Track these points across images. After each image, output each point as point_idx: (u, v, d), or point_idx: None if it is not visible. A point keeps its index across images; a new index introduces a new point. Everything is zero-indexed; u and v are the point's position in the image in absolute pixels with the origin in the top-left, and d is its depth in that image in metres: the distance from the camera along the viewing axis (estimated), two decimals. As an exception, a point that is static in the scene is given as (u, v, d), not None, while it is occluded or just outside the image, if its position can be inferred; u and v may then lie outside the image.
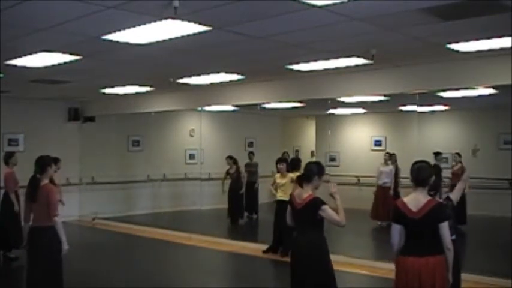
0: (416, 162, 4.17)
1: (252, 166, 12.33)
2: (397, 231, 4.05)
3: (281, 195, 8.42)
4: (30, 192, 5.32)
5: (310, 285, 4.45)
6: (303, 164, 8.63)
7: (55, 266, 5.38)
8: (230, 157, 12.14)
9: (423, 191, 4.02)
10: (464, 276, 6.86)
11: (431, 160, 11.20)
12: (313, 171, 4.55)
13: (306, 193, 4.52)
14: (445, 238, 3.90)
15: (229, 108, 11.82)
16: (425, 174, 4.05)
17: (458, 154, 10.73)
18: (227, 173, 12.09)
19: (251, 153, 12.61)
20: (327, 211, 4.38)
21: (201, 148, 13.13)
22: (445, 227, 3.90)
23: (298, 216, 4.57)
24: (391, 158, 11.43)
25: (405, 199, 4.08)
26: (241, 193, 11.95)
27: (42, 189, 5.27)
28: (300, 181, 4.62)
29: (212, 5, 4.42)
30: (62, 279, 5.45)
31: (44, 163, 5.36)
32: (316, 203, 4.42)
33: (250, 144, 14.22)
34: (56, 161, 7.05)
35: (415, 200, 4.00)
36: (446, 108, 12.11)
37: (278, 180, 8.52)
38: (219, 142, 14.02)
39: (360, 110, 13.22)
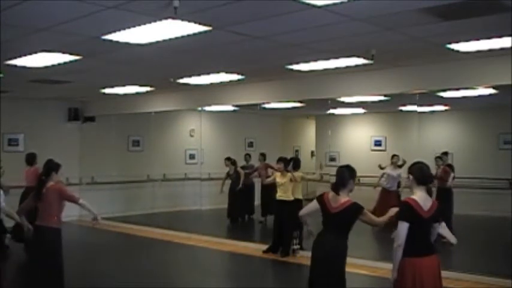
0: (415, 163, 4.23)
1: (248, 168, 12.31)
2: (405, 230, 3.98)
3: (281, 195, 8.43)
4: (36, 192, 5.49)
5: (322, 285, 4.49)
6: (303, 163, 8.82)
7: (56, 267, 5.47)
8: (228, 158, 12.16)
9: (424, 190, 4.10)
10: (464, 276, 6.91)
11: (431, 160, 11.21)
12: (346, 177, 4.54)
13: (343, 198, 4.50)
14: (434, 237, 4.13)
15: (229, 108, 11.82)
16: (428, 173, 4.16)
17: (440, 158, 10.40)
18: (227, 174, 12.12)
19: (247, 155, 12.56)
20: (367, 214, 4.50)
21: (201, 148, 13.12)
22: (437, 227, 4.12)
23: (332, 219, 4.53)
24: (392, 159, 11.22)
25: (416, 198, 4.07)
26: (239, 190, 11.91)
27: (48, 190, 5.48)
28: (336, 188, 4.54)
29: (212, 5, 4.43)
30: (63, 281, 5.50)
31: (48, 168, 5.62)
32: (357, 208, 4.47)
33: (250, 144, 14.22)
34: None
35: (424, 199, 4.06)
36: (446, 108, 12.10)
37: (278, 180, 8.52)
38: (219, 142, 14.01)
39: (360, 110, 13.21)
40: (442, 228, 4.29)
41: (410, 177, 4.16)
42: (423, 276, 3.95)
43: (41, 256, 5.44)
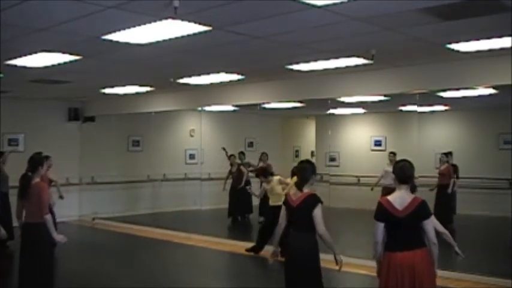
0: (398, 162, 4.34)
1: (244, 166, 12.29)
2: (381, 229, 4.15)
3: (274, 201, 8.40)
4: (22, 190, 5.44)
5: (300, 284, 4.48)
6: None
7: (48, 262, 5.49)
8: (234, 156, 12.17)
9: (407, 189, 4.14)
10: (464, 276, 6.91)
11: (431, 160, 11.22)
12: (310, 173, 4.59)
13: (303, 191, 4.55)
14: (430, 233, 4.03)
15: (229, 108, 11.82)
16: (409, 172, 4.19)
17: (446, 154, 10.65)
18: (230, 172, 12.11)
19: (241, 153, 12.51)
20: (319, 211, 4.43)
21: (201, 148, 13.13)
22: (429, 224, 4.05)
23: (295, 214, 4.56)
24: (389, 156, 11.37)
25: (389, 197, 4.17)
26: (240, 189, 11.91)
27: (33, 187, 5.43)
28: (300, 185, 4.57)
29: (212, 5, 4.43)
30: (54, 274, 5.51)
31: (35, 163, 5.53)
32: (314, 200, 4.48)
33: (250, 144, 14.21)
34: (45, 158, 7.07)
35: (400, 198, 4.10)
36: (446, 108, 12.10)
37: (266, 187, 8.59)
38: (219, 142, 13.99)
39: (360, 110, 13.21)
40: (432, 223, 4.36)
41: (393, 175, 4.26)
42: (397, 269, 4.03)
43: (32, 254, 5.42)
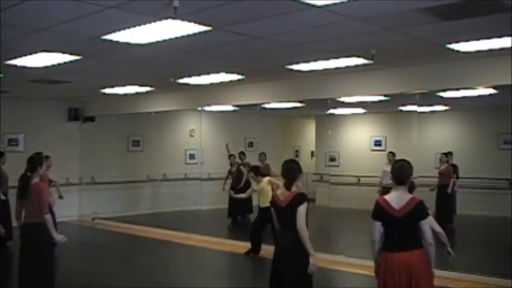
0: (396, 162, 4.33)
1: (244, 166, 12.28)
2: (378, 228, 4.15)
3: (264, 201, 8.36)
4: (21, 190, 5.44)
5: (290, 282, 4.47)
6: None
7: (48, 261, 5.51)
8: (234, 156, 12.17)
9: (404, 189, 4.13)
10: (464, 276, 6.91)
11: (431, 160, 11.23)
12: (296, 172, 4.60)
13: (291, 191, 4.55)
14: (427, 234, 4.02)
15: (229, 108, 11.82)
16: (406, 173, 4.16)
17: (446, 154, 10.69)
18: (229, 172, 12.11)
19: (241, 153, 12.50)
20: (303, 208, 4.41)
21: (201, 148, 13.13)
22: (426, 224, 4.04)
23: (284, 213, 4.55)
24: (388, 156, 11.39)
25: (387, 197, 4.17)
26: (240, 189, 11.89)
27: (33, 187, 5.43)
28: (289, 185, 4.57)
29: (212, 5, 4.43)
30: (54, 274, 5.51)
31: (34, 163, 5.53)
32: (302, 198, 4.48)
33: (250, 144, 14.21)
34: (45, 158, 7.07)
35: (397, 198, 4.10)
36: (446, 108, 12.11)
37: (255, 188, 8.55)
38: (219, 142, 14.00)
39: (360, 110, 13.22)
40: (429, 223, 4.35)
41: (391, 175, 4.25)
42: (394, 268, 4.03)
43: (32, 253, 5.43)
